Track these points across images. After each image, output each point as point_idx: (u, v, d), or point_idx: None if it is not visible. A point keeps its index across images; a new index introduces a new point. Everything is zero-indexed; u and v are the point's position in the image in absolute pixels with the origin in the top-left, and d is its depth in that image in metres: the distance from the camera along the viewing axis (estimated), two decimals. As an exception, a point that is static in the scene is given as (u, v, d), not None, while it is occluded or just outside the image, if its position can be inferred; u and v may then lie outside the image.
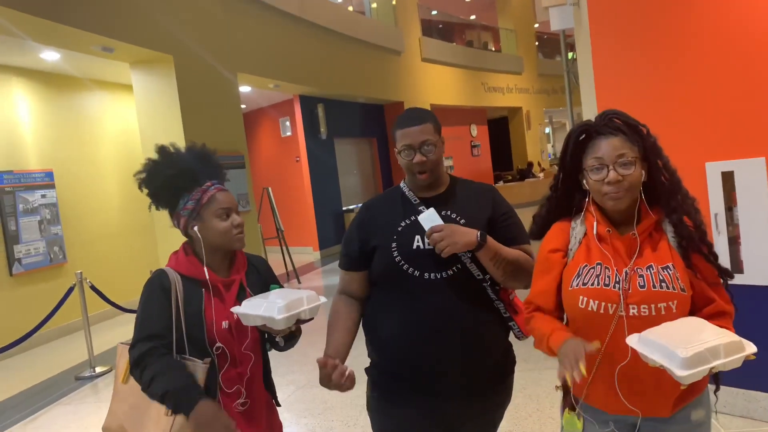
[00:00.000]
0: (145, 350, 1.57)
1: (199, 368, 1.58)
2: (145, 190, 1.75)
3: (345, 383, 1.70)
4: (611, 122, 1.51)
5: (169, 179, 1.70)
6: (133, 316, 1.71)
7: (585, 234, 1.57)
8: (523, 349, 1.88)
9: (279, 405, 1.82)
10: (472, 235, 1.66)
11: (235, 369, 1.66)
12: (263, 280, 1.79)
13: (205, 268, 1.67)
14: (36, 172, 6.65)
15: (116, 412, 1.65)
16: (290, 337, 1.73)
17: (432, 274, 1.70)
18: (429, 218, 1.68)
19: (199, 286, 1.66)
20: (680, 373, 1.23)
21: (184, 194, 1.70)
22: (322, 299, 1.65)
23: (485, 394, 1.80)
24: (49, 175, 6.80)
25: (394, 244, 1.74)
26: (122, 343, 1.71)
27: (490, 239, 1.68)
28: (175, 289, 1.62)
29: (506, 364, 1.86)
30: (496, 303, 1.77)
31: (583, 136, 1.54)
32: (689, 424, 1.53)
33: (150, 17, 6.26)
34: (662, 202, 1.52)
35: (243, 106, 9.56)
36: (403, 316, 1.71)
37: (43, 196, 6.69)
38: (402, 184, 1.89)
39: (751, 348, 1.34)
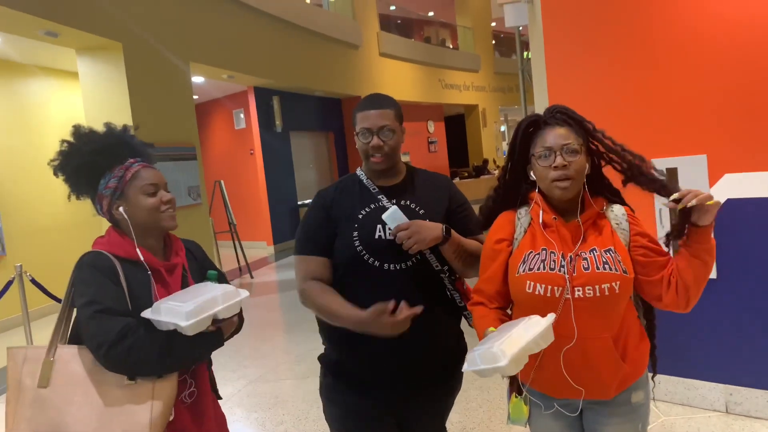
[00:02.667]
0: (127, 323, 1.41)
1: None
2: (62, 176, 1.60)
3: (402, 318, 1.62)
4: (558, 115, 1.59)
5: (88, 156, 1.55)
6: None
7: (530, 223, 1.63)
8: (474, 340, 1.91)
9: (220, 398, 1.75)
10: (437, 230, 1.67)
11: None
12: (199, 264, 1.70)
13: (138, 250, 1.52)
14: (-27, 161, 6.35)
15: (39, 424, 1.39)
16: (217, 333, 1.55)
17: (392, 265, 1.71)
18: (393, 216, 1.67)
19: (141, 270, 1.51)
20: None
21: (106, 173, 1.56)
22: (243, 294, 1.51)
23: (436, 382, 1.83)
24: (-12, 164, 6.50)
25: (355, 233, 1.73)
26: (15, 348, 1.47)
27: (454, 233, 1.71)
28: (120, 273, 1.47)
29: (458, 352, 1.88)
30: (452, 293, 1.80)
31: (532, 128, 1.61)
32: (629, 406, 1.60)
33: (98, 2, 6.04)
34: (610, 193, 1.62)
35: (196, 96, 9.35)
36: (361, 305, 1.69)
37: (-18, 185, 6.39)
38: (359, 171, 1.88)
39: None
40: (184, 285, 1.58)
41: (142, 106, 6.51)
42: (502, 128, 22.22)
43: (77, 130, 1.60)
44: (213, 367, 1.74)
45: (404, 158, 11.34)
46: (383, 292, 1.68)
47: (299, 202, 11.29)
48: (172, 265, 1.59)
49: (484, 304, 1.66)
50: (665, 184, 1.52)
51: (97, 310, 1.41)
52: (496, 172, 17.50)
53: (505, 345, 1.30)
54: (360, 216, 1.76)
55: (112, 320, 1.40)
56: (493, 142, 19.68)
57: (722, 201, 2.90)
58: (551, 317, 1.41)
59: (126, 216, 1.54)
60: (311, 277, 1.77)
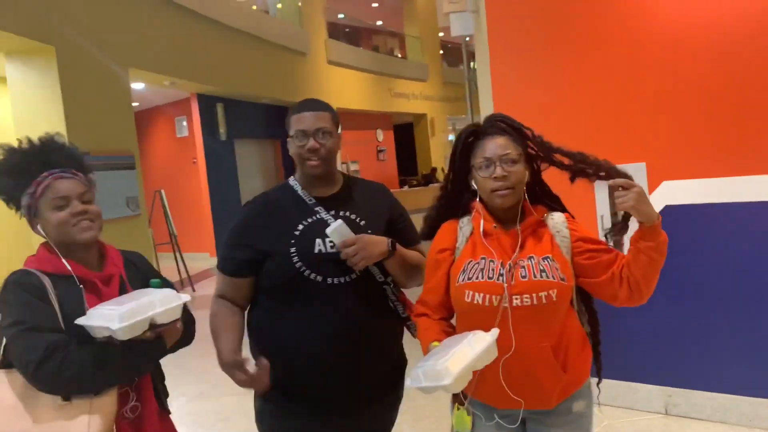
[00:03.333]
0: (55, 339, 1.33)
1: None
2: None
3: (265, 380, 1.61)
4: (497, 124, 1.60)
5: (7, 173, 1.49)
6: None
7: (472, 232, 1.63)
8: (416, 350, 1.87)
9: (170, 412, 1.64)
10: (383, 245, 1.65)
11: None
12: (142, 275, 1.60)
13: (65, 261, 1.44)
14: None
15: None
16: (158, 341, 1.47)
17: (335, 279, 1.65)
18: (338, 231, 1.61)
19: (72, 284, 1.43)
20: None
21: (25, 190, 1.47)
22: (184, 297, 1.44)
23: (381, 397, 1.79)
24: None
25: (293, 249, 1.65)
26: None
27: (399, 247, 1.69)
28: (49, 291, 1.40)
29: (401, 365, 1.85)
30: (395, 304, 1.76)
31: (471, 138, 1.62)
32: (571, 416, 1.60)
33: (28, 2, 5.76)
34: (549, 201, 1.63)
35: (136, 103, 9.04)
36: (304, 323, 1.65)
37: None
38: (291, 181, 1.79)
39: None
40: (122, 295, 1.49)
41: (76, 113, 6.23)
42: (450, 137, 22.53)
43: (2, 147, 1.52)
44: None
45: (353, 167, 11.25)
46: (327, 308, 1.64)
47: (245, 212, 11.04)
48: (107, 275, 1.51)
49: (428, 315, 1.65)
50: (612, 166, 1.55)
51: (22, 329, 1.33)
52: (444, 180, 17.75)
53: (449, 362, 1.28)
54: (297, 232, 1.67)
55: (40, 337, 1.32)
56: (441, 151, 19.91)
57: (661, 207, 2.99)
58: (495, 332, 1.40)
59: (43, 233, 1.46)
60: (222, 296, 1.74)
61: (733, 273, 2.90)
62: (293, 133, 1.69)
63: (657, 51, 3.00)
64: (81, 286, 1.44)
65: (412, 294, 1.79)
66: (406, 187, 17.12)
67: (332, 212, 1.71)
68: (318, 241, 1.65)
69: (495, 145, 1.56)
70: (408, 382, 1.36)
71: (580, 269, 1.57)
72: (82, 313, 1.38)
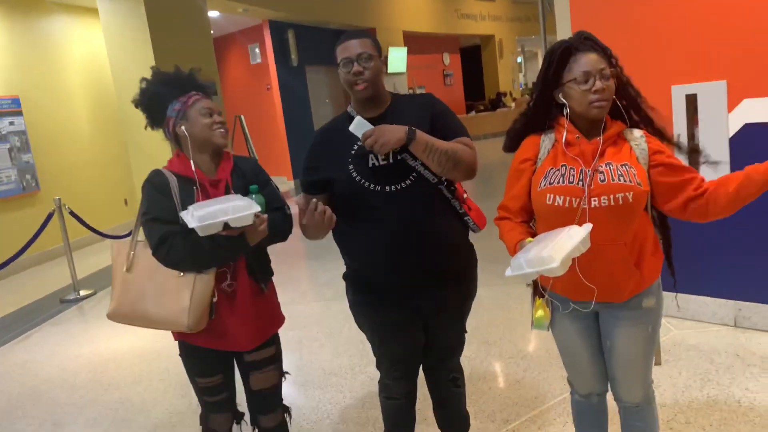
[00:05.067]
0: (166, 230, 1.77)
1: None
2: (140, 108, 1.93)
3: (327, 220, 1.76)
4: (587, 41, 1.69)
5: (159, 87, 1.88)
6: (110, 243, 1.89)
7: (554, 144, 1.76)
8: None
9: (263, 291, 1.96)
10: (401, 131, 1.76)
11: None
12: (246, 181, 1.92)
13: (192, 165, 1.85)
14: (2, 99, 6.50)
15: (123, 298, 1.86)
16: (240, 238, 1.79)
17: (392, 187, 1.83)
18: (359, 126, 1.79)
19: (190, 183, 1.85)
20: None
21: (173, 101, 1.87)
22: (254, 208, 1.69)
23: (453, 287, 1.98)
24: (16, 101, 6.65)
25: (351, 167, 1.85)
26: (116, 240, 1.97)
27: (419, 133, 1.78)
28: (173, 187, 1.82)
29: (469, 257, 2.05)
30: (453, 201, 1.93)
31: (564, 53, 1.69)
32: (641, 311, 1.75)
33: (114, -66, 5.99)
34: (628, 114, 1.73)
35: (212, 31, 9.29)
36: (372, 229, 1.85)
37: (11, 123, 6.57)
38: (349, 108, 1.96)
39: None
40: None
41: (162, 42, 6.55)
42: (519, 60, 21.77)
43: (153, 72, 1.93)
44: None
45: (419, 91, 11.22)
46: (389, 215, 1.83)
47: (317, 137, 11.30)
48: (216, 180, 1.89)
49: (509, 218, 1.82)
50: (660, 129, 1.71)
51: (148, 219, 1.81)
52: (513, 104, 17.34)
53: (553, 250, 1.45)
54: (353, 151, 1.86)
55: (157, 227, 1.79)
56: (509, 75, 19.34)
57: (740, 125, 3.00)
58: (588, 226, 1.55)
59: (186, 133, 1.85)
60: None
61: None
62: (340, 61, 1.84)
63: (746, -36, 2.92)
64: (195, 187, 1.85)
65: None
66: (473, 113, 16.89)
67: None
68: (371, 156, 1.84)
69: (592, 60, 1.64)
70: (508, 271, 1.53)
71: (654, 185, 1.69)
72: None
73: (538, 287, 1.85)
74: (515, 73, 20.19)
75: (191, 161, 1.85)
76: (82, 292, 5.26)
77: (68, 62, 7.49)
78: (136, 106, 1.93)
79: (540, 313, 1.85)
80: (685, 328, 3.28)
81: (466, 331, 2.15)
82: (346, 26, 11.75)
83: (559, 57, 1.70)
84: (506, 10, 19.06)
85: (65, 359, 3.95)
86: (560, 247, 1.46)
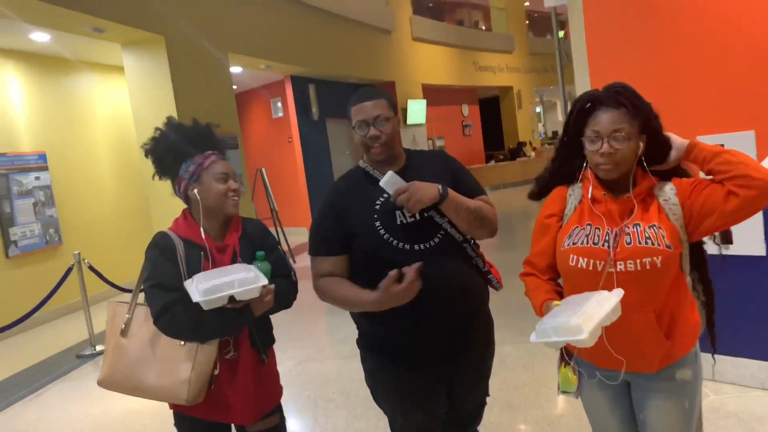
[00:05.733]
0: (170, 299, 1.70)
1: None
2: (151, 157, 1.88)
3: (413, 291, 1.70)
4: (615, 96, 1.58)
5: (175, 143, 1.83)
6: (128, 296, 1.85)
7: (581, 199, 1.67)
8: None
9: (264, 362, 1.89)
10: (434, 188, 1.73)
11: None
12: (253, 246, 1.85)
13: (202, 230, 1.79)
14: (29, 155, 6.63)
15: (116, 365, 1.76)
16: (245, 310, 1.74)
17: (421, 245, 1.77)
18: (390, 181, 1.73)
19: (196, 248, 1.78)
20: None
21: (187, 160, 1.82)
22: (261, 281, 1.65)
23: (478, 348, 1.93)
24: (42, 157, 6.78)
25: (377, 223, 1.78)
26: (112, 302, 1.85)
27: (451, 191, 1.76)
28: (179, 252, 1.75)
29: (489, 316, 1.99)
30: (475, 260, 1.89)
31: (588, 104, 1.62)
32: (674, 383, 1.61)
33: (141, -4, 6.21)
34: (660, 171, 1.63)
35: (234, 87, 9.51)
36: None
37: (37, 178, 6.68)
38: (362, 163, 1.93)
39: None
40: (233, 263, 1.80)
41: (185, 98, 6.68)
42: (538, 109, 21.91)
43: (170, 121, 1.87)
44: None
45: (439, 143, 11.25)
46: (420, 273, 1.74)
47: (336, 189, 11.34)
48: (223, 246, 1.82)
49: (535, 275, 1.73)
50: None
51: (151, 285, 1.74)
52: (533, 154, 17.34)
53: (581, 319, 1.35)
54: (377, 206, 1.80)
55: (160, 295, 1.71)
56: (528, 124, 19.44)
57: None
58: (619, 293, 1.44)
59: (198, 197, 1.79)
60: (327, 274, 1.84)
61: None
62: (354, 123, 1.82)
63: (766, 10, 2.87)
64: (201, 252, 1.78)
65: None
66: (492, 162, 16.91)
67: None
68: (397, 213, 1.78)
69: (607, 120, 1.56)
70: (533, 336, 1.44)
71: (699, 212, 1.54)
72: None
73: (563, 352, 1.74)
74: (534, 123, 20.28)
75: (200, 227, 1.79)
76: (98, 347, 5.20)
77: (94, 118, 7.67)
78: (147, 155, 1.87)
79: (566, 378, 1.74)
80: (724, 393, 3.08)
81: (488, 394, 2.05)
82: (366, 80, 11.96)
83: (579, 110, 1.64)
84: (524, 62, 19.33)
85: (75, 419, 3.85)
86: (589, 316, 1.36)
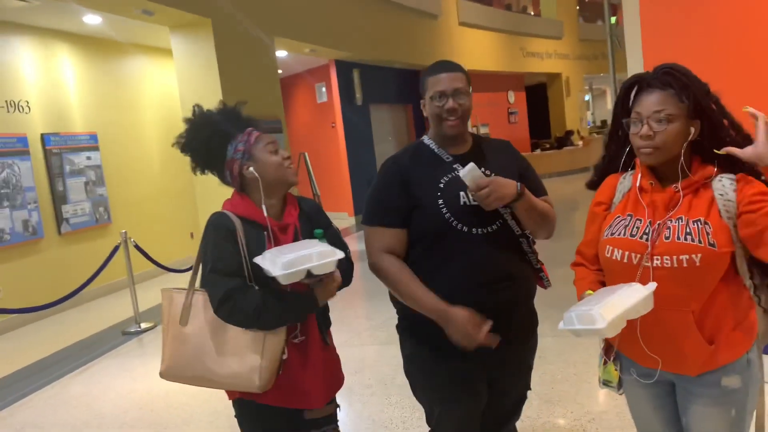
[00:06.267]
0: (232, 286, 1.61)
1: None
2: (189, 152, 1.77)
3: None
4: (663, 76, 1.49)
5: (217, 126, 1.73)
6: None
7: (630, 188, 1.60)
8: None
9: (327, 344, 1.85)
10: (513, 186, 1.70)
11: None
12: (312, 225, 1.80)
13: (264, 208, 1.69)
14: (81, 135, 6.83)
15: (178, 355, 1.68)
16: (308, 297, 1.71)
17: (479, 230, 1.74)
18: (471, 173, 1.67)
19: (257, 229, 1.69)
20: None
21: (231, 141, 1.73)
22: (339, 254, 1.61)
23: (524, 339, 1.90)
24: (94, 137, 6.97)
25: (440, 201, 1.74)
26: (167, 289, 1.75)
27: (527, 191, 1.73)
28: (238, 232, 1.65)
29: (534, 313, 1.96)
30: (530, 255, 1.85)
31: (636, 87, 1.53)
32: (719, 389, 1.50)
33: (189, -20, 6.27)
34: (724, 161, 1.50)
35: (279, 71, 9.56)
36: (454, 271, 1.74)
37: (88, 158, 6.88)
38: (426, 140, 1.87)
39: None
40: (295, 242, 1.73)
41: (231, 81, 6.75)
42: (587, 97, 21.35)
43: (199, 109, 1.79)
44: None
45: (483, 130, 11.10)
46: (470, 256, 1.73)
47: (378, 174, 11.34)
48: (284, 224, 1.75)
49: (584, 265, 1.68)
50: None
51: (210, 270, 1.64)
52: (580, 143, 16.92)
53: (604, 308, 1.31)
54: (441, 185, 1.76)
55: (221, 281, 1.62)
56: (577, 112, 18.96)
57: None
58: (652, 286, 1.38)
59: (256, 174, 1.69)
60: (387, 251, 1.79)
61: None
62: (432, 94, 1.77)
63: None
64: (264, 232, 1.68)
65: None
66: (538, 151, 16.58)
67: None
68: (461, 194, 1.75)
69: (650, 101, 1.47)
70: (561, 324, 1.40)
71: (744, 238, 1.43)
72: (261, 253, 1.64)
73: (606, 344, 1.67)
74: (583, 111, 19.78)
75: (263, 205, 1.70)
76: (143, 325, 5.34)
77: (142, 100, 7.84)
78: (183, 151, 1.77)
79: (608, 372, 1.68)
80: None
81: (530, 388, 2.00)
82: (411, 66, 11.85)
83: (625, 93, 1.55)
84: (573, 48, 18.81)
85: (118, 395, 3.96)
86: (612, 306, 1.31)
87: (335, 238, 1.81)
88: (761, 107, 2.92)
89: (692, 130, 1.48)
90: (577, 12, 19.55)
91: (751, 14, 2.93)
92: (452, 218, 1.74)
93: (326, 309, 1.88)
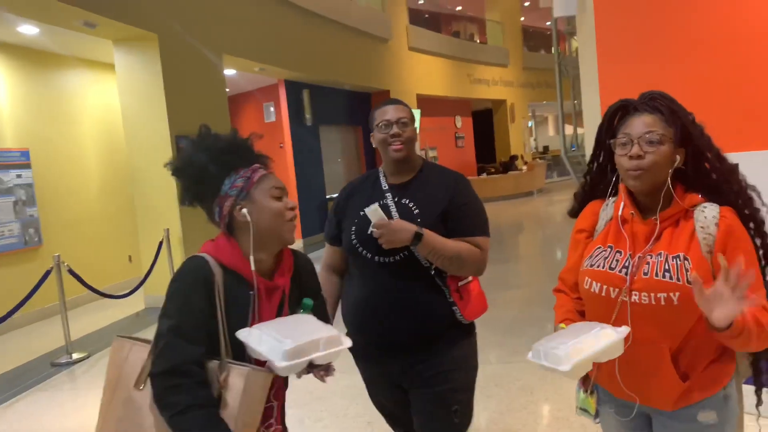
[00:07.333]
0: (188, 360, 1.31)
1: (260, 377, 1.32)
2: (181, 178, 1.46)
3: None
4: (651, 101, 1.46)
5: (216, 153, 1.43)
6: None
7: (612, 217, 1.55)
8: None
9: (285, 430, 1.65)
10: (408, 233, 1.77)
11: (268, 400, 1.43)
12: (300, 290, 1.55)
13: (252, 262, 1.39)
14: (11, 151, 6.40)
15: (122, 425, 1.36)
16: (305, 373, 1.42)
17: (382, 258, 1.87)
18: (373, 213, 1.79)
19: (242, 284, 1.40)
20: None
21: (231, 174, 1.43)
22: (347, 343, 1.34)
23: (428, 358, 1.89)
24: (25, 154, 6.55)
25: (353, 228, 1.92)
26: (122, 338, 1.42)
27: (426, 237, 1.78)
28: (217, 285, 1.37)
29: (450, 333, 1.92)
30: (442, 287, 1.89)
31: (619, 113, 1.51)
32: (696, 425, 1.45)
33: (134, -8, 6.05)
34: (708, 192, 1.47)
35: (227, 89, 9.35)
36: (357, 292, 1.94)
37: (19, 176, 6.45)
38: (380, 168, 2.02)
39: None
40: (279, 311, 1.47)
41: (176, 98, 6.51)
42: (530, 124, 21.98)
43: (206, 130, 1.49)
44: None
45: (432, 153, 11.27)
46: (374, 281, 1.89)
47: (327, 196, 11.25)
48: (273, 286, 1.46)
49: (565, 292, 1.63)
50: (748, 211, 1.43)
51: (170, 328, 1.33)
52: (524, 168, 17.32)
53: (572, 349, 1.28)
54: (362, 213, 1.88)
55: (179, 346, 1.31)
56: (521, 138, 19.47)
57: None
58: (624, 330, 1.33)
59: (249, 218, 1.41)
60: (329, 265, 2.08)
61: None
62: (378, 123, 1.92)
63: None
64: (249, 291, 1.40)
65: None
66: (483, 175, 16.86)
67: (396, 199, 1.91)
68: (372, 223, 1.86)
69: (641, 122, 1.43)
70: (529, 355, 1.36)
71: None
72: (245, 318, 1.38)
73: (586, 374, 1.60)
74: (526, 137, 20.32)
75: (250, 257, 1.39)
76: (75, 356, 4.97)
77: (81, 116, 7.47)
78: (175, 174, 1.46)
79: (585, 401, 1.63)
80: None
81: (460, 421, 1.93)
82: (361, 88, 11.87)
83: (611, 114, 1.51)
84: (518, 76, 19.39)
85: (48, 432, 3.63)
86: (579, 349, 1.28)
87: (320, 309, 1.58)
88: (717, 135, 2.95)
89: (677, 157, 1.44)
90: (522, 41, 20.19)
91: (706, 41, 2.99)
92: (358, 245, 1.90)
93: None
